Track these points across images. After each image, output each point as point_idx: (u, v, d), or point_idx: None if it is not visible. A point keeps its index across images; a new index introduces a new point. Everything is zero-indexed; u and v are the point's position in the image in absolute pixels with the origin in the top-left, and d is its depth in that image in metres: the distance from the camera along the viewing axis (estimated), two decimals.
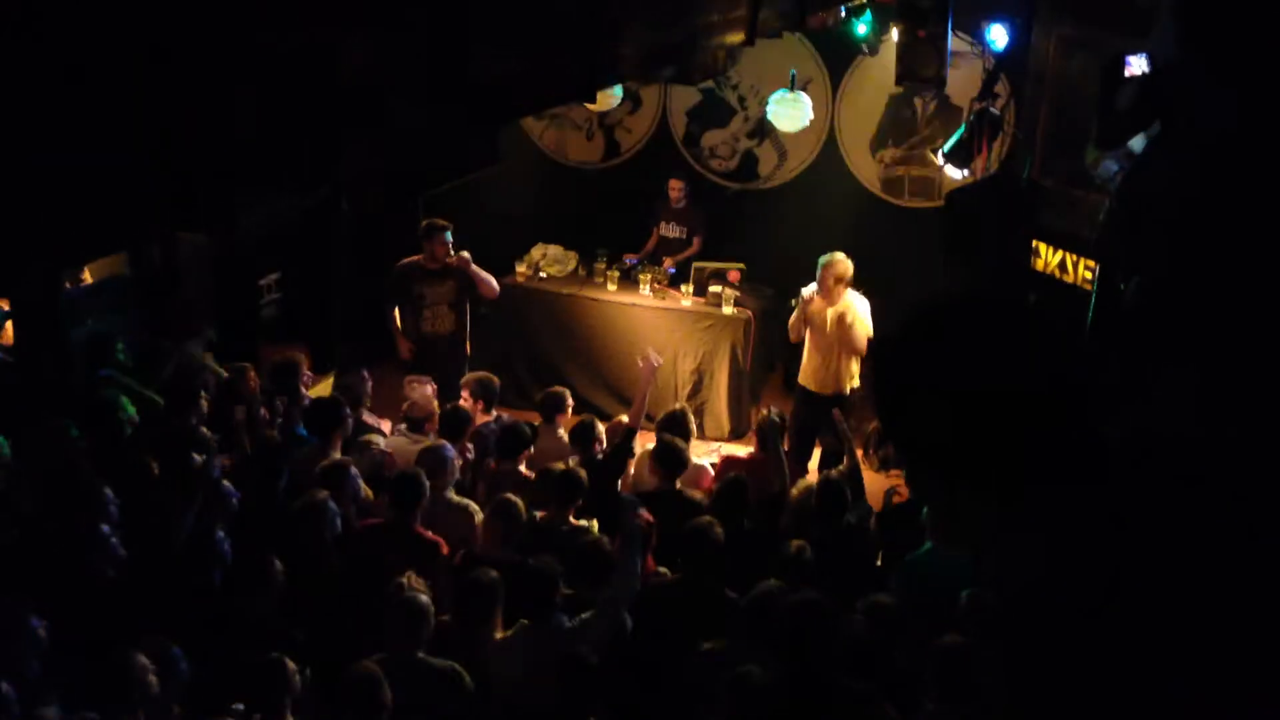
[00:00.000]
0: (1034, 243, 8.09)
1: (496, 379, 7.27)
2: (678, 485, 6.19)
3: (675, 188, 9.92)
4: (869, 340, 7.91)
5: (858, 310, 7.91)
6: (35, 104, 2.02)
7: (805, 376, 8.19)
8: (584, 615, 4.86)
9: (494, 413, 7.08)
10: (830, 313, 7.93)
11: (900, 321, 1.43)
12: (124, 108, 2.23)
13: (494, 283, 8.25)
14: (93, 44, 2.18)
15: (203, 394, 6.33)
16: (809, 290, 7.92)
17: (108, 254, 5.79)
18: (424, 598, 4.63)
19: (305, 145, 2.69)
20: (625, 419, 6.62)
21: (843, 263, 7.86)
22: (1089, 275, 7.30)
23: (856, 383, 8.14)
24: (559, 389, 7.19)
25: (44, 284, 5.66)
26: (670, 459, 6.19)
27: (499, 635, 4.86)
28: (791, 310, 8.22)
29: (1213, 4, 2.89)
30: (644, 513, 5.41)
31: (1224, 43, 2.82)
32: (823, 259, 7.91)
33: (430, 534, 5.57)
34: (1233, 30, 2.82)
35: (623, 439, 6.35)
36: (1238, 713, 1.35)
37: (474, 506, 5.94)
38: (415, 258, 8.14)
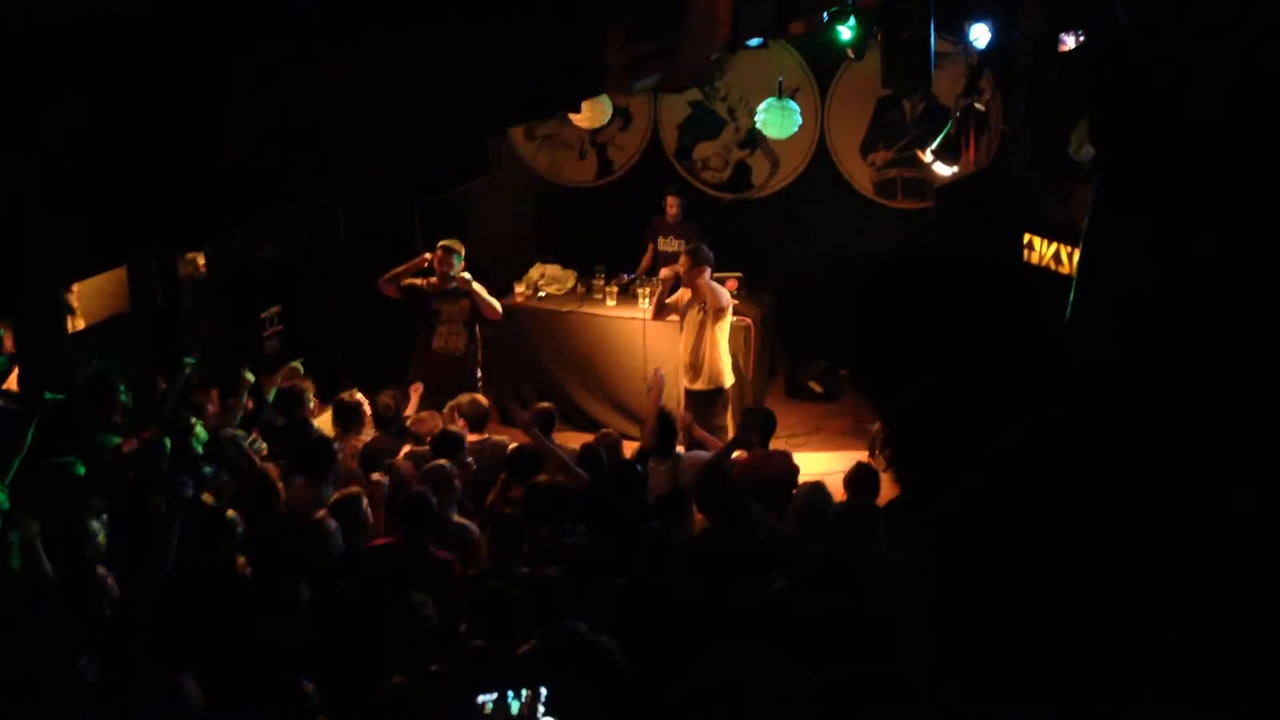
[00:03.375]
0: (1027, 236, 8.14)
1: (486, 401, 7.36)
2: None
3: (672, 204, 9.99)
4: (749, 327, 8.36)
5: (719, 296, 8.19)
6: (29, 123, 2.07)
7: (681, 374, 8.48)
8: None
9: (485, 434, 7.13)
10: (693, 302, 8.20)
11: (865, 275, 1.46)
12: (116, 126, 2.28)
13: (496, 305, 8.35)
14: (83, 67, 2.23)
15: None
16: (666, 273, 8.34)
17: (105, 269, 5.85)
18: None
19: (295, 159, 2.74)
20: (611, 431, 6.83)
21: (705, 252, 8.18)
22: None
23: (732, 378, 8.40)
24: (546, 405, 7.24)
25: (47, 312, 5.70)
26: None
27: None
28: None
29: None
30: None
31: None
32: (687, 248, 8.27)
33: (443, 553, 5.60)
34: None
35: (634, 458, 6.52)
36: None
37: (473, 526, 5.99)
38: (428, 279, 8.28)
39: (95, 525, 5.15)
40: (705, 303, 8.19)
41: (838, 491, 6.51)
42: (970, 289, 1.43)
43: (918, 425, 1.51)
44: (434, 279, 8.23)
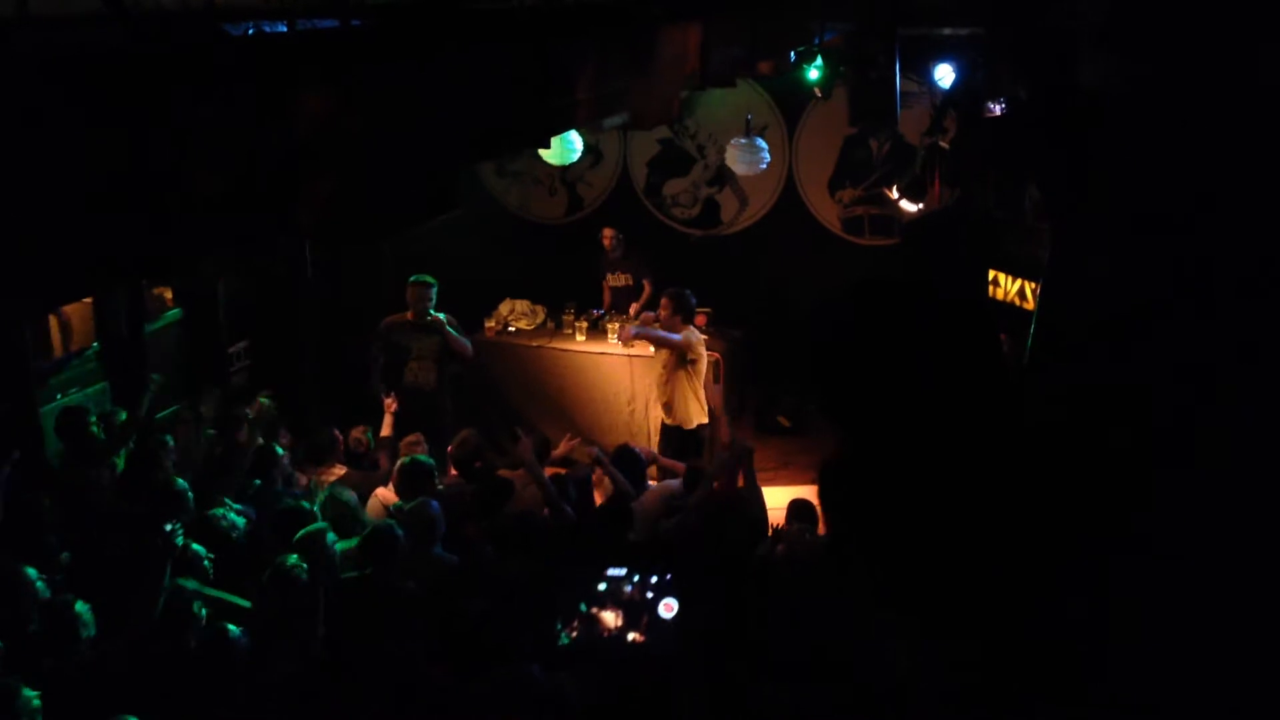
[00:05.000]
0: (992, 272, 8.24)
1: (474, 438, 7.35)
2: None
3: (607, 236, 10.04)
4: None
5: (694, 340, 8.19)
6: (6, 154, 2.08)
7: (656, 409, 8.53)
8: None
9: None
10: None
11: (827, 301, 1.49)
12: (84, 158, 2.29)
13: (467, 344, 8.43)
14: (53, 96, 2.24)
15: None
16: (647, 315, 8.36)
17: (71, 300, 5.83)
18: None
19: (263, 194, 2.75)
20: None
21: (681, 295, 8.17)
22: None
23: (705, 418, 8.38)
24: (543, 438, 7.26)
25: (11, 345, 5.66)
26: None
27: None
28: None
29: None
30: None
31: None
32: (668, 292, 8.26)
33: (411, 585, 5.57)
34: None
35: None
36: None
37: (456, 559, 5.96)
38: (403, 314, 8.35)
39: (31, 573, 5.04)
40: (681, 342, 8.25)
41: None
42: (930, 317, 1.47)
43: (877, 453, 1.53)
44: (410, 314, 8.25)
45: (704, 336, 8.44)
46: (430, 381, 8.31)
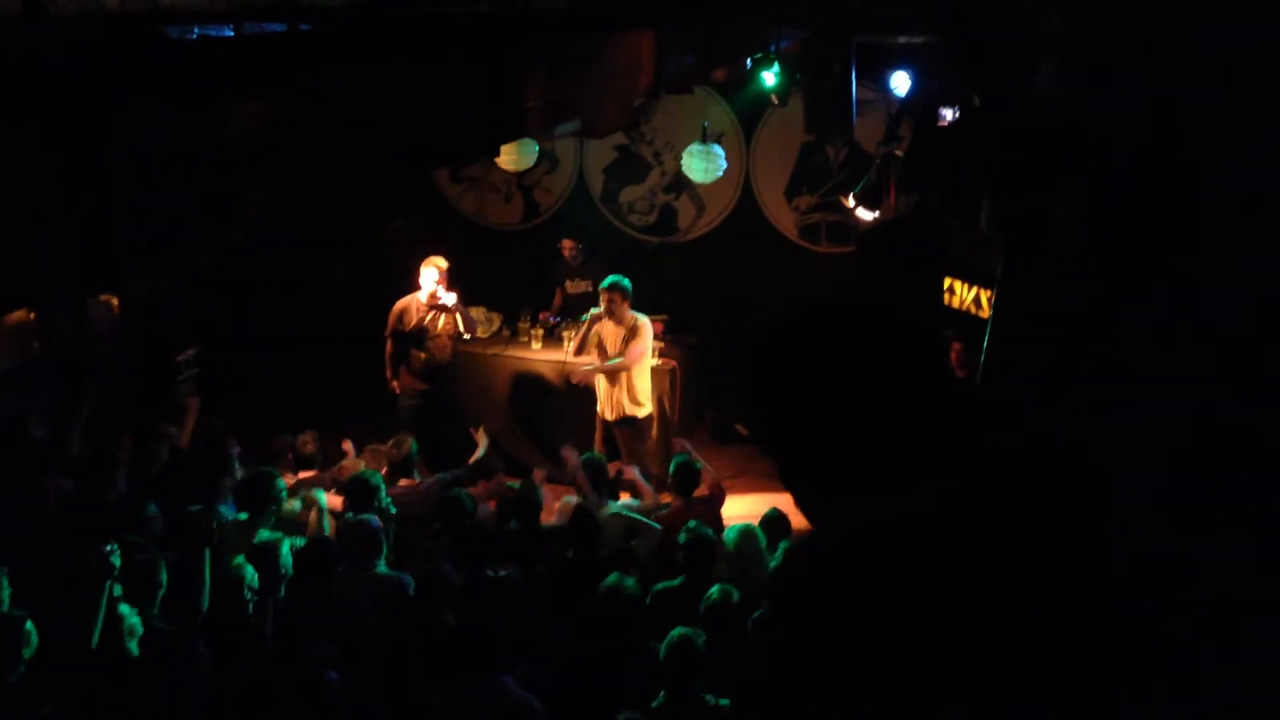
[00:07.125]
0: (948, 280, 8.25)
1: (409, 444, 7.28)
2: None
3: (567, 248, 10.08)
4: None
5: (643, 330, 8.35)
6: None
7: (601, 406, 8.58)
8: None
9: (417, 478, 7.05)
10: (617, 333, 8.35)
11: (776, 321, 1.45)
12: (12, 168, 2.20)
13: (471, 321, 8.94)
14: None
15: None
16: (595, 311, 8.40)
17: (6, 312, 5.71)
18: None
19: (200, 201, 2.68)
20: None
21: (623, 284, 8.30)
22: None
23: (649, 408, 8.50)
24: (489, 458, 7.22)
25: None
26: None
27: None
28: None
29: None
30: None
31: None
32: (605, 281, 8.34)
33: (349, 599, 5.49)
34: None
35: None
36: None
37: (406, 577, 5.87)
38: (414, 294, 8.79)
39: None
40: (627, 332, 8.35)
41: None
42: (875, 343, 1.43)
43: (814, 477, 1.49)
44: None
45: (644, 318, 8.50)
46: (447, 356, 8.87)
